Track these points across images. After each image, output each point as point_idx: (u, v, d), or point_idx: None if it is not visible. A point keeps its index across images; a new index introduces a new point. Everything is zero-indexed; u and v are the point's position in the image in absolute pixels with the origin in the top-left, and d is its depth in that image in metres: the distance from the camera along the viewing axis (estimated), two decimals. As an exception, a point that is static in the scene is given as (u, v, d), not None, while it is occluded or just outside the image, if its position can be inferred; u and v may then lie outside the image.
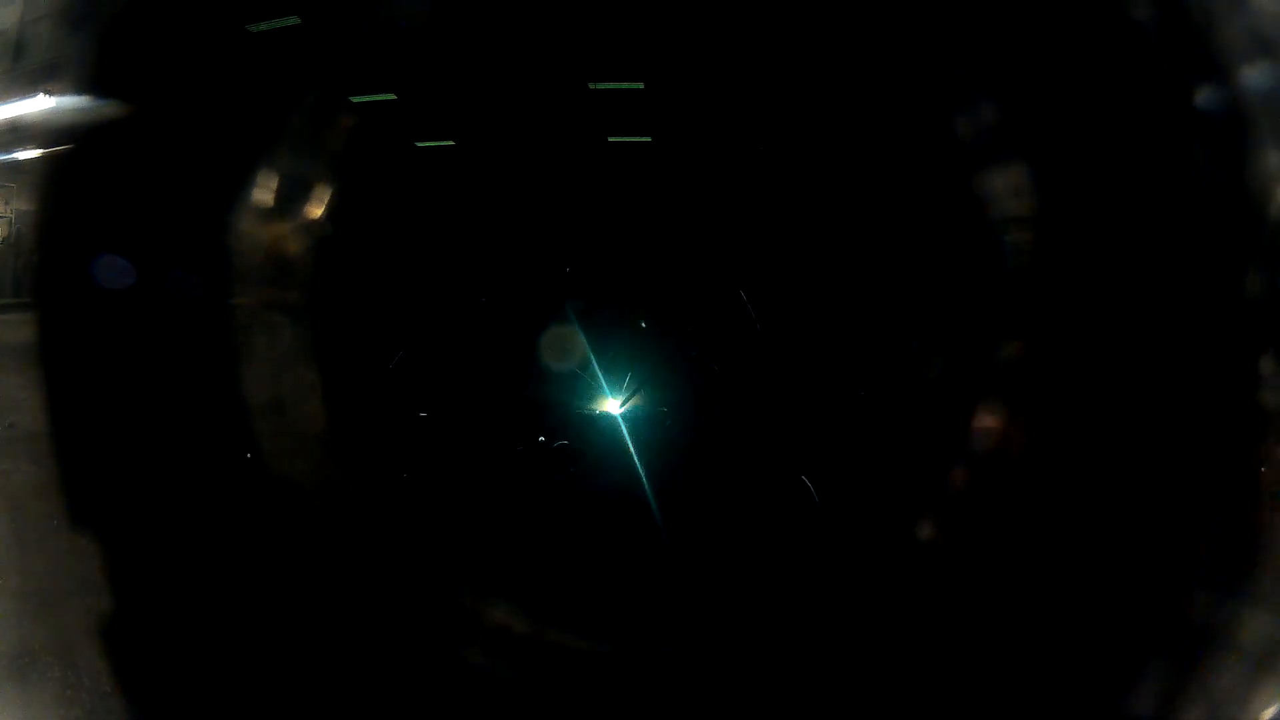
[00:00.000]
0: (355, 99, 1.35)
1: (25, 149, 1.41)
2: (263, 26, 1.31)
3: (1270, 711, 0.99)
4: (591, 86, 1.31)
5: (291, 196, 1.35)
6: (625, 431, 1.26)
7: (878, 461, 1.29)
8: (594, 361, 1.28)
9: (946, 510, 1.23)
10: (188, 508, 1.29)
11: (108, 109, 1.36)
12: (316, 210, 1.37)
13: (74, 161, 1.36)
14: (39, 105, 1.40)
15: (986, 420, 1.21)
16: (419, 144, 1.41)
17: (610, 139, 1.34)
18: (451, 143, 1.41)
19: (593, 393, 1.28)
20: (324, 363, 1.37)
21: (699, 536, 1.26)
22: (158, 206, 1.33)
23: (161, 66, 1.33)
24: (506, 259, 1.39)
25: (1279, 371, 1.03)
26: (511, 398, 1.35)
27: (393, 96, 1.36)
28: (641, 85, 1.31)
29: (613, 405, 1.27)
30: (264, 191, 1.34)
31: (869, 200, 1.28)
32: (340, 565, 1.28)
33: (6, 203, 1.50)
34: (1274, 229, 1.05)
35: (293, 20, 1.30)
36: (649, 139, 1.33)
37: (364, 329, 1.39)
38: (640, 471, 1.24)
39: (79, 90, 1.37)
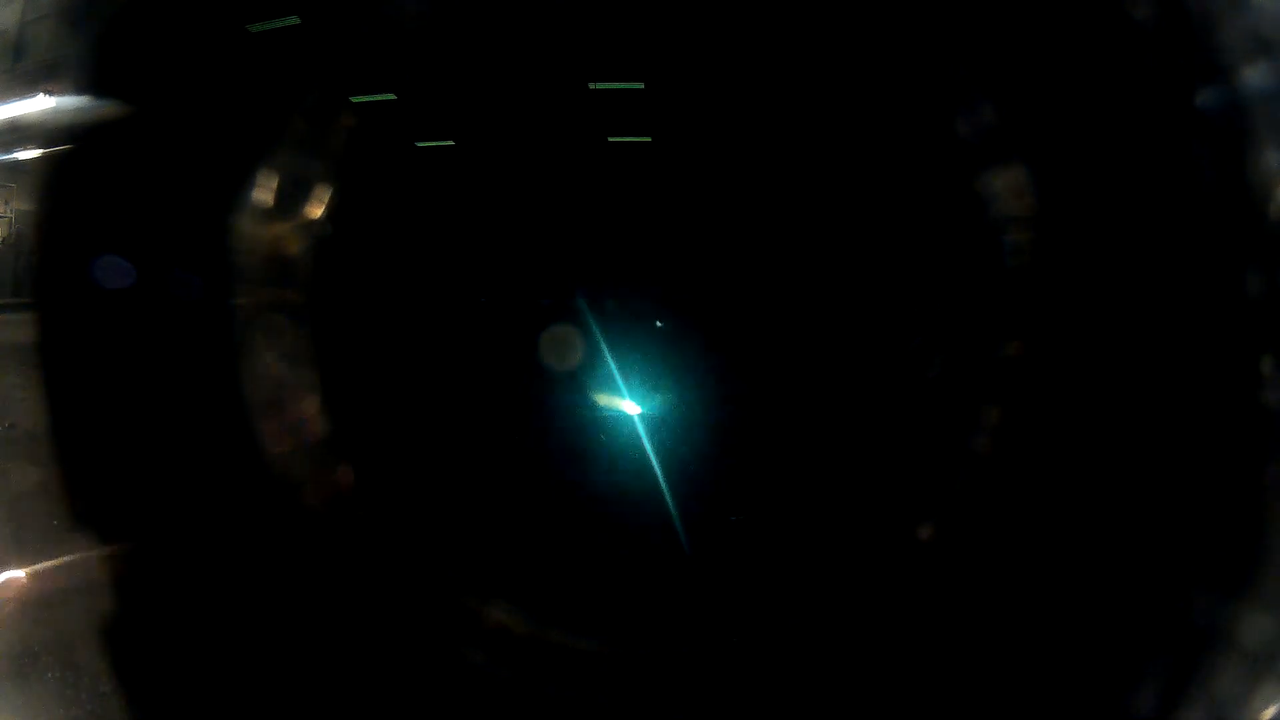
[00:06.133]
0: (355, 99, 1.35)
1: (25, 149, 1.41)
2: (263, 26, 1.31)
3: (1270, 711, 0.99)
4: (591, 86, 1.31)
5: (291, 196, 1.35)
6: (641, 430, 1.26)
7: (879, 459, 1.29)
8: (606, 360, 1.28)
9: (947, 509, 1.23)
10: (188, 508, 1.29)
11: (108, 109, 1.36)
12: (316, 210, 1.37)
13: (74, 161, 1.36)
14: (39, 105, 1.40)
15: (987, 419, 1.21)
16: (419, 144, 1.41)
17: (610, 139, 1.34)
18: (451, 143, 1.41)
19: (602, 392, 1.28)
20: (324, 363, 1.37)
21: (710, 536, 1.26)
22: (158, 206, 1.33)
23: (161, 66, 1.33)
24: (507, 259, 1.39)
25: (1279, 371, 1.03)
26: (513, 397, 1.35)
27: (393, 96, 1.36)
28: (641, 85, 1.31)
29: (631, 405, 1.28)
30: (264, 191, 1.34)
31: (869, 200, 1.28)
32: (341, 565, 1.28)
33: (6, 203, 1.50)
34: (1274, 229, 1.05)
35: (293, 20, 1.30)
36: (649, 139, 1.33)
37: (364, 329, 1.39)
38: (656, 469, 1.24)
39: (79, 90, 1.37)
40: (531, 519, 1.31)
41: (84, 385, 1.34)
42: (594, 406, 1.30)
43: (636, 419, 1.29)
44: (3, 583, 1.33)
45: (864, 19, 1.22)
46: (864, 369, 1.29)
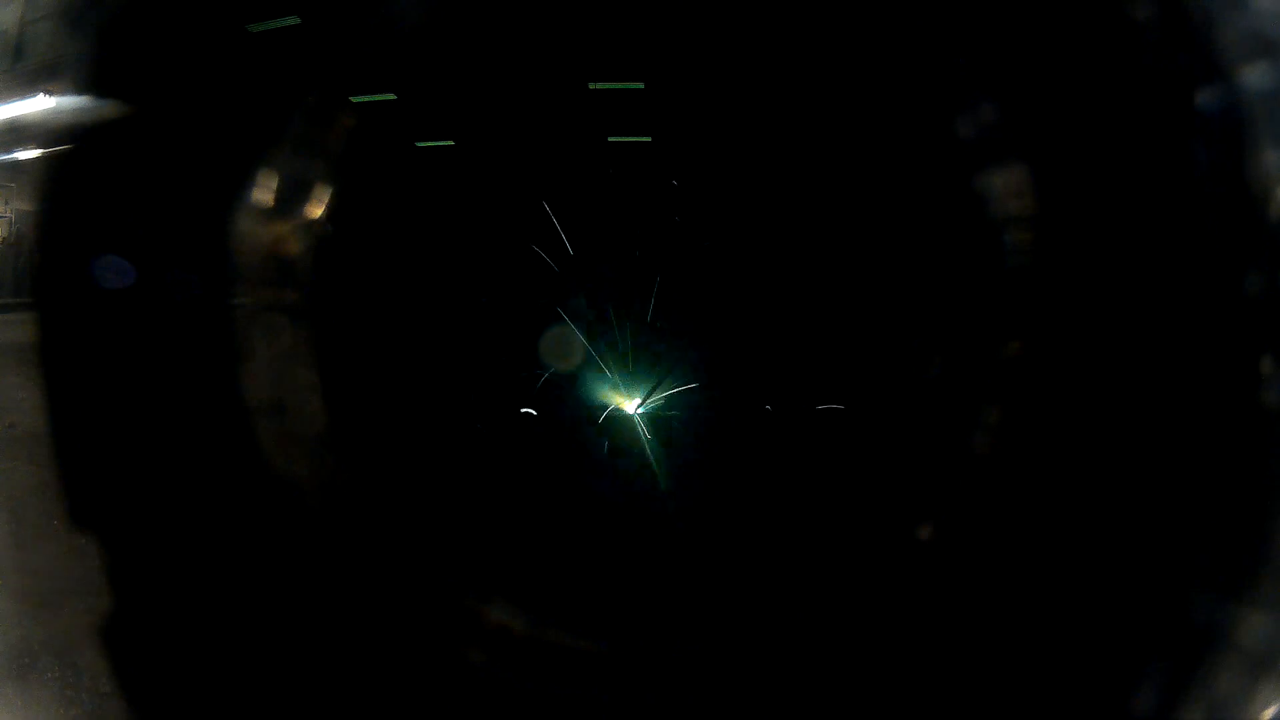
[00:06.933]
0: (355, 99, 1.35)
1: (25, 149, 1.41)
2: (263, 26, 1.31)
3: (1270, 711, 0.99)
4: (591, 86, 1.31)
5: (291, 196, 1.35)
6: (642, 430, 1.26)
7: (879, 460, 1.29)
8: (606, 360, 1.28)
9: (948, 511, 1.23)
10: (188, 508, 1.29)
11: (108, 109, 1.36)
12: (316, 210, 1.37)
13: (74, 161, 1.36)
14: (39, 105, 1.40)
15: (987, 420, 1.21)
16: (419, 144, 1.41)
17: (610, 139, 1.34)
18: (451, 143, 1.41)
19: (602, 391, 1.28)
20: (324, 363, 1.37)
21: (711, 535, 1.26)
22: (158, 206, 1.33)
23: (161, 66, 1.33)
24: (507, 259, 1.39)
25: (1279, 371, 1.03)
26: (515, 397, 1.35)
27: (393, 96, 1.36)
28: (641, 85, 1.31)
29: (629, 405, 1.28)
30: (264, 191, 1.34)
31: (870, 200, 1.28)
32: (341, 565, 1.28)
33: (6, 203, 1.50)
34: (1274, 229, 1.05)
35: (293, 20, 1.30)
36: (649, 139, 1.33)
37: (364, 329, 1.39)
38: (656, 470, 1.24)
39: (79, 90, 1.37)
40: (531, 518, 1.31)
41: (84, 385, 1.34)
42: (593, 406, 1.30)
43: (636, 418, 1.29)
44: (2, 583, 1.33)
45: (864, 18, 1.22)
46: (864, 369, 1.29)
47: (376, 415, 1.39)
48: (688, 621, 1.26)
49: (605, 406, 1.29)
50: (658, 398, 1.28)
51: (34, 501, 1.33)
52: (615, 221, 1.36)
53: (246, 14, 1.30)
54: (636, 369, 1.29)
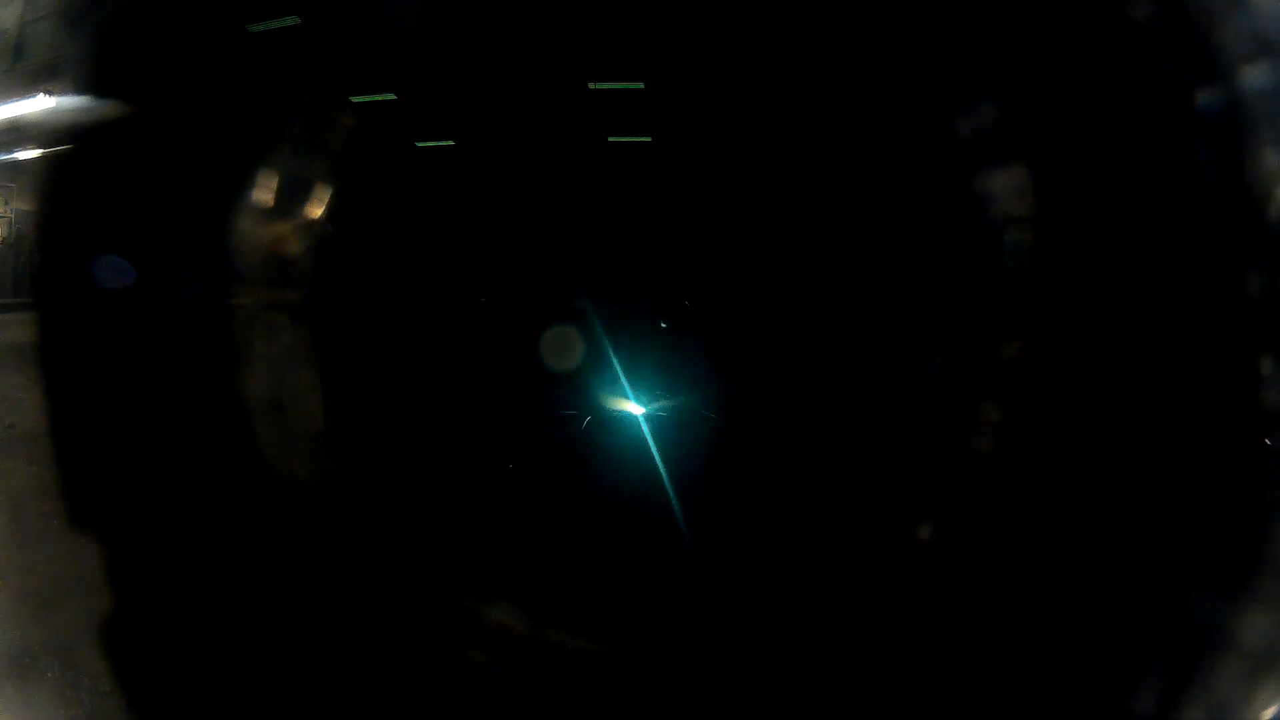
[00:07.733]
0: (355, 99, 1.35)
1: (25, 149, 1.41)
2: (263, 26, 1.31)
3: (1270, 711, 0.99)
4: (591, 86, 1.31)
5: (291, 196, 1.35)
6: (646, 432, 1.26)
7: (877, 462, 1.29)
8: (608, 361, 1.28)
9: (945, 511, 1.23)
10: (188, 508, 1.29)
11: (108, 109, 1.36)
12: (316, 210, 1.37)
13: (74, 161, 1.36)
14: (39, 105, 1.40)
15: (986, 420, 1.21)
16: (419, 144, 1.41)
17: (610, 139, 1.34)
18: (451, 143, 1.41)
19: (604, 393, 1.28)
20: (324, 363, 1.37)
21: (717, 538, 1.26)
22: (158, 206, 1.33)
23: (161, 66, 1.33)
24: (507, 259, 1.39)
25: (1279, 371, 1.03)
26: (516, 399, 1.35)
27: (393, 96, 1.36)
28: (642, 85, 1.31)
29: (632, 406, 1.27)
30: (264, 191, 1.34)
31: (869, 200, 1.28)
32: (341, 565, 1.28)
33: (6, 203, 1.50)
34: (1274, 229, 1.05)
35: (293, 20, 1.30)
36: (649, 139, 1.33)
37: (364, 329, 1.39)
38: (662, 472, 1.24)
39: (79, 90, 1.37)
40: (532, 520, 1.31)
41: (84, 385, 1.34)
42: (596, 407, 1.30)
43: (639, 419, 1.29)
44: (2, 583, 1.33)
45: (862, 18, 1.22)
46: (864, 370, 1.29)
47: (377, 415, 1.39)
48: (688, 621, 1.26)
49: (608, 407, 1.29)
50: (661, 398, 1.28)
51: (34, 501, 1.33)
52: (617, 221, 1.36)
53: (246, 14, 1.30)
54: (640, 369, 1.29)
